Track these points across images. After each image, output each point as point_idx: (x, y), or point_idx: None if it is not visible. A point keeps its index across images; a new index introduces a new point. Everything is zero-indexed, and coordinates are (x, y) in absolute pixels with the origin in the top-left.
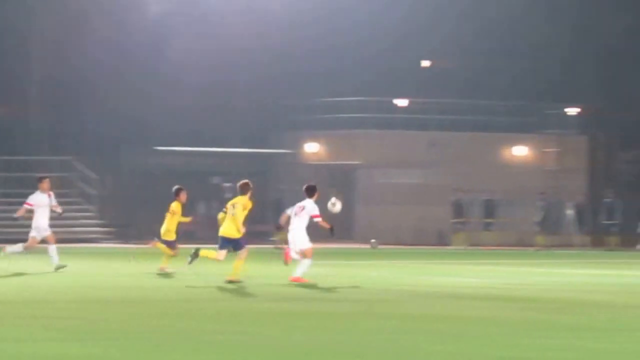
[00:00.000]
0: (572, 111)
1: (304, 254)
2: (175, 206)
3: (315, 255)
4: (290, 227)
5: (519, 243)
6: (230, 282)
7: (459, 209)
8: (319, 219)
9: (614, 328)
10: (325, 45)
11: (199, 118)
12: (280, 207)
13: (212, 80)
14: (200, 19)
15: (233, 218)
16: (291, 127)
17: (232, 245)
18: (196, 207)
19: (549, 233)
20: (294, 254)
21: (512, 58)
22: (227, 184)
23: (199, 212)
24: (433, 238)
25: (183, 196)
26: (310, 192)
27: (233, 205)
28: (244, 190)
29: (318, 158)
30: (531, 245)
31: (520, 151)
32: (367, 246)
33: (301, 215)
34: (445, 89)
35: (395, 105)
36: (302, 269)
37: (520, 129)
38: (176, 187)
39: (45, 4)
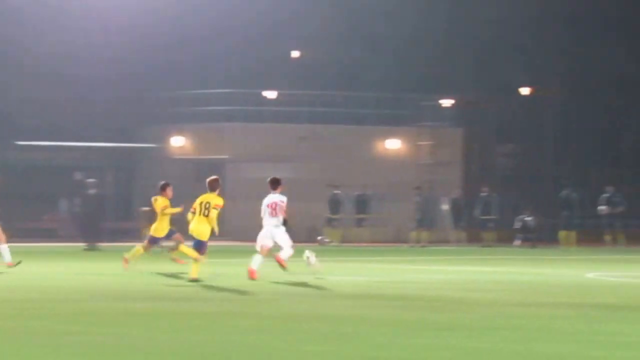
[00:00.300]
0: (446, 103)
1: (261, 249)
2: (161, 202)
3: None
4: (267, 224)
5: (395, 239)
6: (194, 280)
7: (333, 205)
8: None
9: (490, 326)
10: (191, 36)
11: (61, 111)
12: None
13: (74, 72)
14: (60, 9)
15: (206, 219)
16: (156, 120)
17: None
18: (58, 204)
19: (425, 229)
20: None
21: (385, 49)
22: (91, 180)
23: (61, 208)
24: (304, 234)
25: (169, 191)
26: (275, 184)
27: (201, 204)
28: (213, 187)
29: (184, 152)
30: (407, 242)
31: (393, 144)
32: (238, 243)
33: (279, 213)
34: (317, 81)
35: (265, 97)
36: (257, 262)
37: (393, 122)
38: (162, 182)
39: None
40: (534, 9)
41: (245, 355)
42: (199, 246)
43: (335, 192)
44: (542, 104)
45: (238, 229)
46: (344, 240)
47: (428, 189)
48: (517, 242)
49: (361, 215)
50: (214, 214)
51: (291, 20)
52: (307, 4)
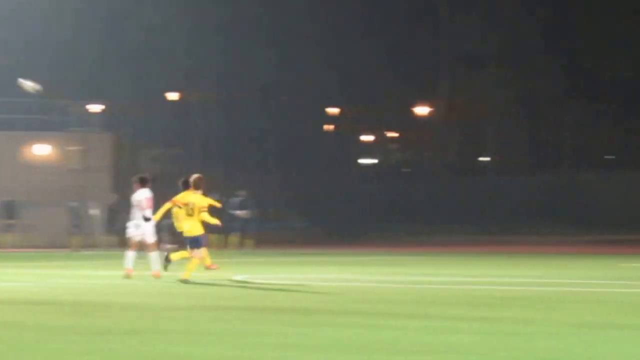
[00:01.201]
0: (95, 108)
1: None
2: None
3: None
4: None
5: (49, 245)
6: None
7: None
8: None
9: (142, 330)
10: None
11: None
12: None
13: None
14: None
15: (192, 217)
16: None
17: (193, 243)
18: None
19: (79, 234)
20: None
21: (39, 53)
22: None
23: None
24: None
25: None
26: (144, 182)
27: (187, 204)
28: (197, 185)
29: None
30: (62, 247)
31: (42, 150)
32: None
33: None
34: None
35: None
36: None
37: (42, 127)
38: (183, 179)
39: None
40: (185, 17)
41: None
42: (196, 243)
43: None
44: (190, 109)
45: None
46: None
47: (80, 194)
48: (167, 246)
49: (10, 221)
50: (204, 217)
51: None
52: None
